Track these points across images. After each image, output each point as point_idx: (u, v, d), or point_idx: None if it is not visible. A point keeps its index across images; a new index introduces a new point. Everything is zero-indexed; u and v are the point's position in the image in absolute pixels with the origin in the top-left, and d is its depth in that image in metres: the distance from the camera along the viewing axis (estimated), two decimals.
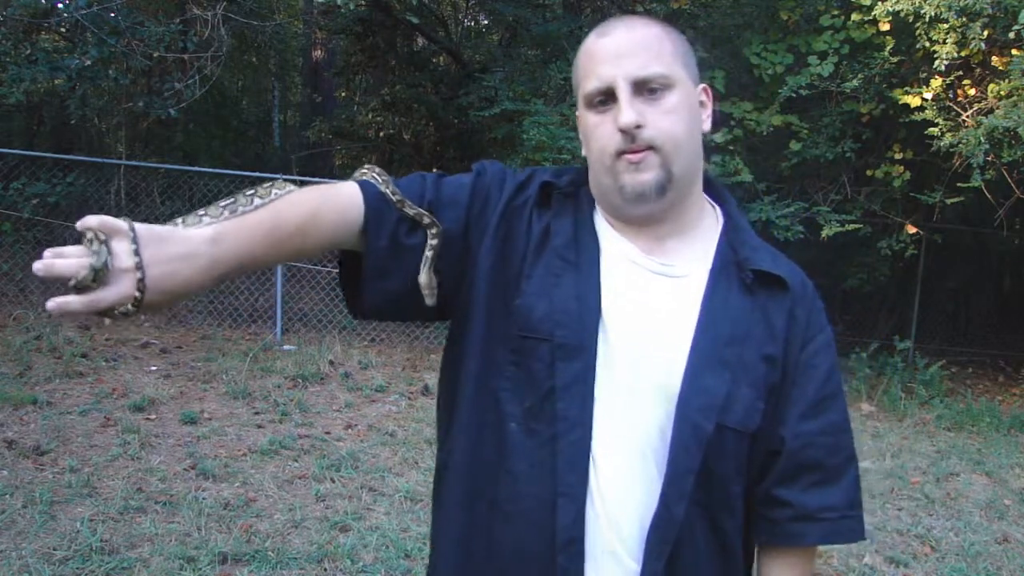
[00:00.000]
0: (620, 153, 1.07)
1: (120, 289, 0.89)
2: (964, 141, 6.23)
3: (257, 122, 13.64)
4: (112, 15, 7.55)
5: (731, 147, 7.27)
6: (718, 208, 1.21)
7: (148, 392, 5.20)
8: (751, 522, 1.15)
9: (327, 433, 4.89)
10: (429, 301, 1.10)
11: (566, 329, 1.08)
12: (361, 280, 1.11)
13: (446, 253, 1.11)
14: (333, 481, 4.13)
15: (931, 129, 6.57)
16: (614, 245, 1.13)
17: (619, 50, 1.08)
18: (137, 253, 0.89)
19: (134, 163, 8.68)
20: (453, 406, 1.18)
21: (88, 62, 7.58)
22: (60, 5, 8.32)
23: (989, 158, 6.34)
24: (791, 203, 7.33)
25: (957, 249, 9.55)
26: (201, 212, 1.00)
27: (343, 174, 11.91)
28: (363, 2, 9.82)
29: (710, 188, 1.22)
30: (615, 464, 1.07)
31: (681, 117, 1.08)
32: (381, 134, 12.36)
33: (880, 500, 4.59)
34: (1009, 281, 10.98)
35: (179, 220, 0.99)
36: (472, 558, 1.13)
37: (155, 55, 7.86)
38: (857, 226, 7.30)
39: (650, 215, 1.11)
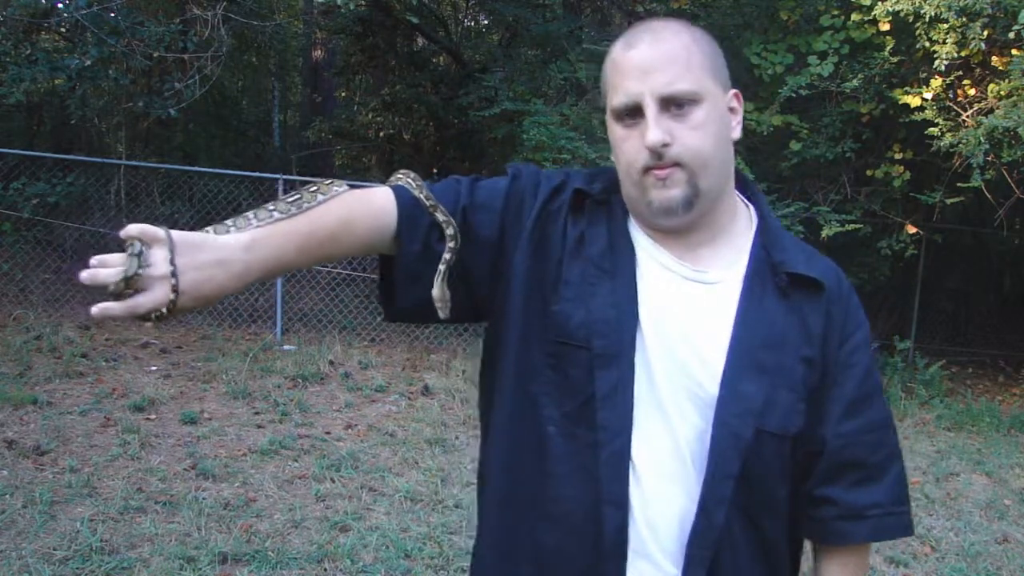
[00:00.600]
0: (647, 169, 1.08)
1: (156, 295, 0.93)
2: (964, 141, 6.23)
3: (257, 122, 13.65)
4: (112, 15, 7.55)
5: None
6: (751, 207, 1.21)
7: (148, 392, 5.20)
8: (800, 523, 1.15)
9: (327, 433, 4.89)
10: (442, 314, 1.10)
11: (604, 338, 1.09)
12: (393, 284, 1.13)
13: (481, 257, 1.13)
14: (333, 481, 4.13)
15: (931, 129, 6.57)
16: (649, 253, 1.14)
17: (646, 64, 1.06)
18: (172, 261, 0.94)
19: (134, 163, 8.68)
20: (491, 407, 1.19)
21: (88, 62, 7.57)
22: (60, 5, 8.33)
23: (989, 158, 6.33)
24: (791, 203, 7.31)
25: (957, 249, 9.54)
26: (271, 207, 1.05)
27: (343, 174, 11.94)
28: (363, 2, 9.82)
29: (742, 186, 1.22)
30: (655, 471, 1.09)
31: (709, 132, 1.08)
32: (381, 134, 12.36)
33: None
34: (1009, 281, 10.96)
35: (251, 214, 1.04)
36: (512, 557, 1.14)
37: (155, 55, 7.86)
38: (857, 226, 7.28)
39: (680, 226, 1.12)
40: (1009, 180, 6.85)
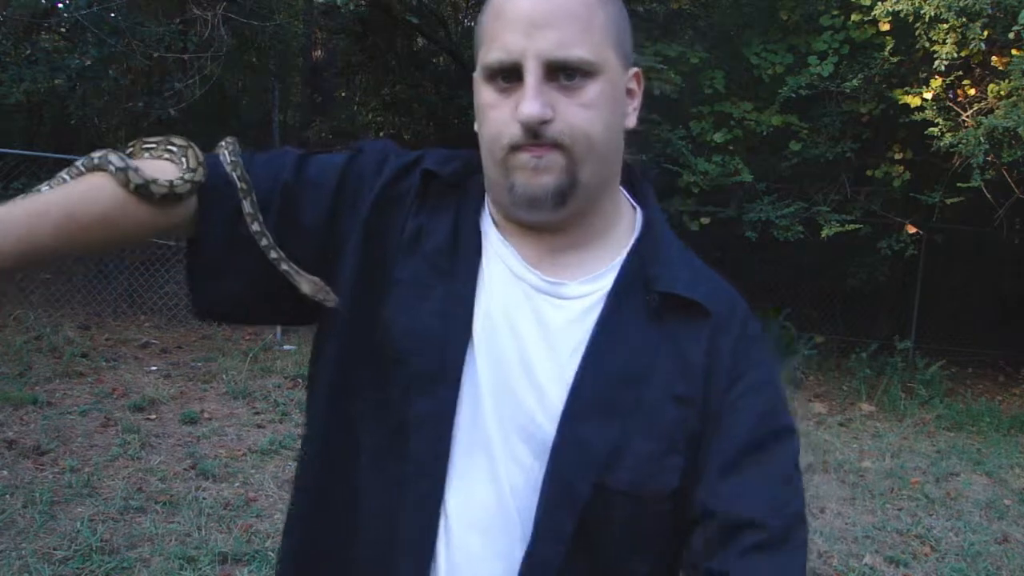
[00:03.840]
0: (517, 147, 0.85)
1: None
2: (964, 141, 6.23)
3: (257, 122, 13.63)
4: (112, 15, 7.56)
5: (731, 147, 7.27)
6: (638, 211, 0.98)
7: (148, 392, 5.20)
8: None
9: None
10: (330, 304, 0.91)
11: (424, 355, 0.88)
12: (194, 276, 0.94)
13: (305, 246, 0.93)
14: None
15: (931, 129, 6.57)
16: (499, 253, 0.92)
17: (536, 16, 0.82)
18: None
19: None
20: (311, 421, 0.99)
21: (88, 62, 7.58)
22: (60, 5, 8.34)
23: (989, 158, 6.34)
24: (791, 203, 7.32)
25: (957, 249, 9.55)
26: (66, 175, 0.89)
27: None
28: (363, 2, 9.82)
29: (633, 185, 0.99)
30: (471, 521, 0.88)
31: (600, 113, 0.86)
32: (381, 134, 12.37)
33: (880, 500, 4.60)
34: (1009, 281, 10.96)
35: (44, 187, 0.88)
36: None
37: (155, 55, 7.87)
38: (857, 226, 7.29)
39: (545, 222, 0.90)
40: (1009, 180, 6.85)
